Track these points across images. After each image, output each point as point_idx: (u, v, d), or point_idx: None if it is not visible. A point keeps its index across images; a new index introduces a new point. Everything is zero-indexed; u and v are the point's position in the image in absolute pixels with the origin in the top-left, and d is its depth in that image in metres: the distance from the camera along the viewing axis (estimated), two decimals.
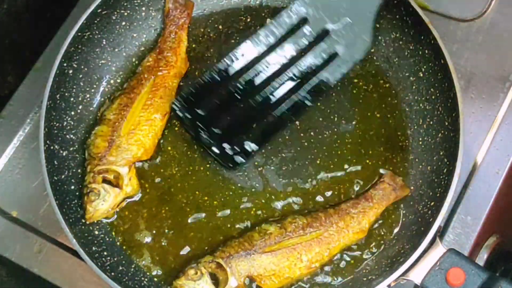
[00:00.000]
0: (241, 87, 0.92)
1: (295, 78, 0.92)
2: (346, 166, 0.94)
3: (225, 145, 0.92)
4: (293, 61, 0.93)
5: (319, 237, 0.89)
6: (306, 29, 0.92)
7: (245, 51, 0.93)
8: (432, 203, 0.89)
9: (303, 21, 0.92)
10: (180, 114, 0.93)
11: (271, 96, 0.92)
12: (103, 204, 0.91)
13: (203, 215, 0.93)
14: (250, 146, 0.92)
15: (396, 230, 0.92)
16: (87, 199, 0.91)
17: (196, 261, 0.88)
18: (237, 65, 0.93)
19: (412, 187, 0.93)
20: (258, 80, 0.93)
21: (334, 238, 0.89)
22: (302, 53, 0.93)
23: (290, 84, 0.92)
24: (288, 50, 0.92)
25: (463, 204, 0.94)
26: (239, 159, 0.92)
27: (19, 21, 1.06)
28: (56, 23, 1.07)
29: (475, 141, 0.97)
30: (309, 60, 0.92)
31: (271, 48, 0.93)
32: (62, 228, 0.87)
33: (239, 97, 0.92)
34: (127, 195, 0.93)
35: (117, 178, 0.92)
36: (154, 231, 0.93)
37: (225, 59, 0.93)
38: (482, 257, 0.95)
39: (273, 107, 0.93)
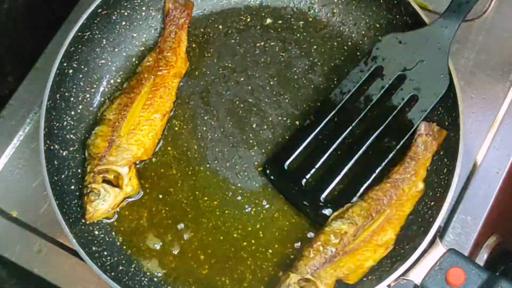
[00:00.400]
0: (327, 140, 0.93)
1: (379, 124, 0.93)
2: None
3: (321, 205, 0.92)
4: (374, 108, 0.93)
5: (387, 216, 0.88)
6: (382, 78, 0.93)
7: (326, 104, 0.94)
8: (432, 203, 0.89)
9: (379, 68, 0.94)
10: (269, 174, 0.94)
11: (356, 147, 0.93)
12: (103, 204, 0.91)
13: (203, 215, 0.93)
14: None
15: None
16: (87, 199, 0.91)
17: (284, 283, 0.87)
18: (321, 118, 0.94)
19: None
20: (343, 131, 0.93)
21: (400, 210, 0.89)
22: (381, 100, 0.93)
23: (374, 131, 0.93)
24: (367, 96, 0.93)
25: (463, 204, 0.94)
26: (328, 211, 0.91)
27: (19, 21, 1.06)
28: (56, 23, 1.07)
29: (475, 141, 0.97)
30: (391, 104, 0.92)
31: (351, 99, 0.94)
32: (62, 228, 0.87)
33: (326, 150, 0.93)
34: (127, 195, 0.93)
35: (117, 178, 0.92)
36: (154, 231, 0.93)
37: (312, 116, 0.94)
38: (482, 257, 0.95)
39: (361, 157, 0.93)
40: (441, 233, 0.92)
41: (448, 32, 0.91)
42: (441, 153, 0.91)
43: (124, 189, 0.92)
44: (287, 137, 0.96)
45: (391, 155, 0.91)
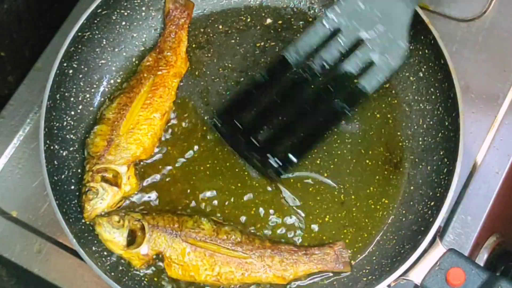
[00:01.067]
0: (278, 98, 0.92)
1: (331, 88, 0.91)
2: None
3: (269, 157, 0.91)
4: (328, 71, 0.92)
5: (241, 259, 0.88)
6: (340, 39, 0.91)
7: (281, 63, 0.92)
8: (432, 203, 0.89)
9: (336, 31, 0.92)
10: (220, 127, 0.93)
11: (307, 107, 0.92)
12: (101, 203, 0.91)
13: (203, 215, 0.93)
14: (291, 157, 0.91)
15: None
16: (85, 197, 0.91)
17: (127, 211, 0.89)
18: (273, 77, 0.93)
19: (412, 187, 0.93)
20: (295, 91, 0.92)
21: (253, 269, 0.88)
22: (337, 63, 0.92)
23: (326, 94, 0.92)
24: (322, 60, 0.92)
25: (463, 204, 0.94)
26: (282, 169, 0.91)
27: (19, 21, 1.06)
28: (56, 23, 1.07)
29: (475, 141, 0.96)
30: (345, 70, 0.91)
31: (306, 59, 0.92)
32: (62, 228, 0.87)
33: (277, 108, 0.92)
34: (126, 194, 0.93)
35: (116, 177, 0.92)
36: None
37: (261, 72, 0.93)
38: (482, 257, 0.95)
39: (311, 117, 0.92)
40: (441, 233, 0.92)
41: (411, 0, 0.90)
42: (441, 153, 0.91)
43: (123, 188, 0.92)
44: (239, 91, 0.95)
45: (341, 120, 0.92)
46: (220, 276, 0.88)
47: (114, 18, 0.99)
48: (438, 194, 0.89)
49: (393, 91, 0.98)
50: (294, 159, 0.91)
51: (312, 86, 0.93)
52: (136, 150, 0.94)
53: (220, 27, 1.03)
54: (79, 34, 0.95)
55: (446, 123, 0.92)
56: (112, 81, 1.00)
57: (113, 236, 0.88)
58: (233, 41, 1.02)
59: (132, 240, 0.89)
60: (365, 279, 0.88)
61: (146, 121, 0.95)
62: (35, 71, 1.06)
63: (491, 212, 0.93)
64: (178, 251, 0.88)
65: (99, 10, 0.97)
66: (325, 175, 0.95)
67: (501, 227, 0.99)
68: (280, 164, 0.91)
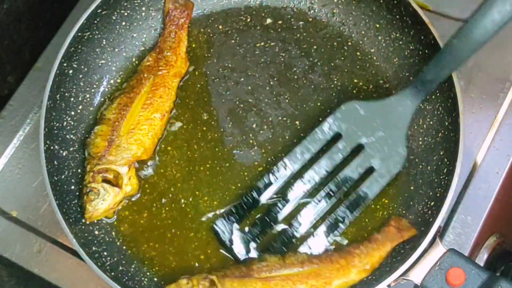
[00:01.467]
0: (278, 207, 0.92)
1: (332, 195, 0.92)
2: None
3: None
4: (329, 177, 0.92)
5: (317, 272, 0.87)
6: (341, 144, 0.92)
7: (281, 170, 0.92)
8: (432, 203, 0.89)
9: (337, 136, 0.92)
10: (220, 233, 0.92)
11: (306, 215, 0.92)
12: (103, 203, 0.91)
13: (203, 215, 0.94)
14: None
15: None
16: (86, 198, 0.91)
17: (190, 276, 0.87)
18: (274, 184, 0.92)
19: (412, 187, 0.93)
20: (293, 198, 0.92)
21: (333, 274, 0.87)
22: (338, 168, 0.92)
23: (327, 202, 0.92)
24: (323, 166, 0.92)
25: (463, 204, 0.94)
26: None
27: (19, 21, 1.06)
28: (56, 23, 1.07)
29: (475, 141, 0.97)
30: (346, 176, 0.91)
31: (307, 165, 0.92)
32: (62, 228, 0.87)
33: (274, 217, 0.92)
34: (127, 195, 0.93)
35: (116, 178, 0.92)
36: (154, 232, 0.93)
37: (264, 178, 0.92)
38: (482, 257, 0.95)
39: (312, 226, 0.92)
40: (441, 233, 0.92)
41: (409, 108, 0.91)
42: (441, 153, 0.91)
43: (124, 189, 0.92)
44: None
45: (343, 227, 0.91)
46: None
47: (114, 18, 0.99)
48: (438, 194, 0.89)
49: (393, 92, 0.98)
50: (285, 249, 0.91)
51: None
52: (137, 151, 0.94)
53: (220, 27, 1.03)
54: (79, 34, 0.95)
55: (446, 123, 0.92)
56: (112, 81, 1.00)
57: None
58: (233, 41, 1.02)
59: None
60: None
61: (147, 121, 0.95)
62: (35, 71, 1.06)
63: (491, 212, 0.93)
64: None
65: (99, 11, 0.97)
66: None
67: (501, 227, 0.99)
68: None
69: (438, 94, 0.93)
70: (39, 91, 1.02)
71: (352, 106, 0.93)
